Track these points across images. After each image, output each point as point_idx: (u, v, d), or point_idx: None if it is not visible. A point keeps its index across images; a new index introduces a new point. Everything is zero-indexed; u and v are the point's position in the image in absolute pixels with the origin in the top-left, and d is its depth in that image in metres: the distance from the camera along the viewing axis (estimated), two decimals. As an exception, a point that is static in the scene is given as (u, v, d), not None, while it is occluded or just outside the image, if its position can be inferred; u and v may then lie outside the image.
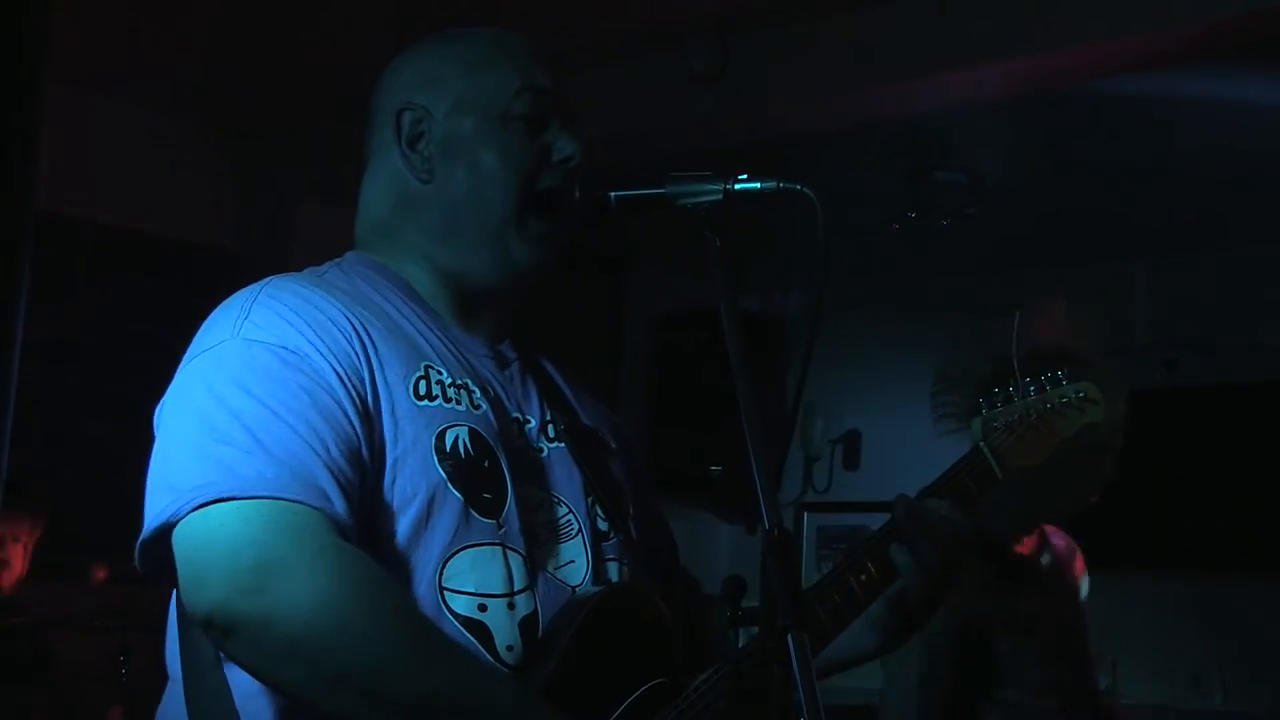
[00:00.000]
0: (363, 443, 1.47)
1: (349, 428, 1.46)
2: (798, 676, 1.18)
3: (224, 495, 1.37)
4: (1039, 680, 3.21)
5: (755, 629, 1.35)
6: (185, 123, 4.88)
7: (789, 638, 1.20)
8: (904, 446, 6.30)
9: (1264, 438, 5.28)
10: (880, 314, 5.86)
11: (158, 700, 1.57)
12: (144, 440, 1.52)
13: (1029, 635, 3.24)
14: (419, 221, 1.67)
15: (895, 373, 6.17)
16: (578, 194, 1.64)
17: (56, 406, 4.67)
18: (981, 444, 1.81)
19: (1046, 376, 1.88)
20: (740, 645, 1.46)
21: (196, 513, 1.38)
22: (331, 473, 1.42)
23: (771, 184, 1.55)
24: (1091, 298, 5.61)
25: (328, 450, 1.43)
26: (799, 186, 1.55)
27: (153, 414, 1.53)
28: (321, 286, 1.58)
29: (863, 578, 1.64)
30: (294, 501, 1.38)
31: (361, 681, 1.35)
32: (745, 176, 1.56)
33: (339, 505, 1.41)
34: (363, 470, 1.46)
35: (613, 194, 1.62)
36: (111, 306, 4.88)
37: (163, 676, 1.56)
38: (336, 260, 1.71)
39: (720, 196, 1.55)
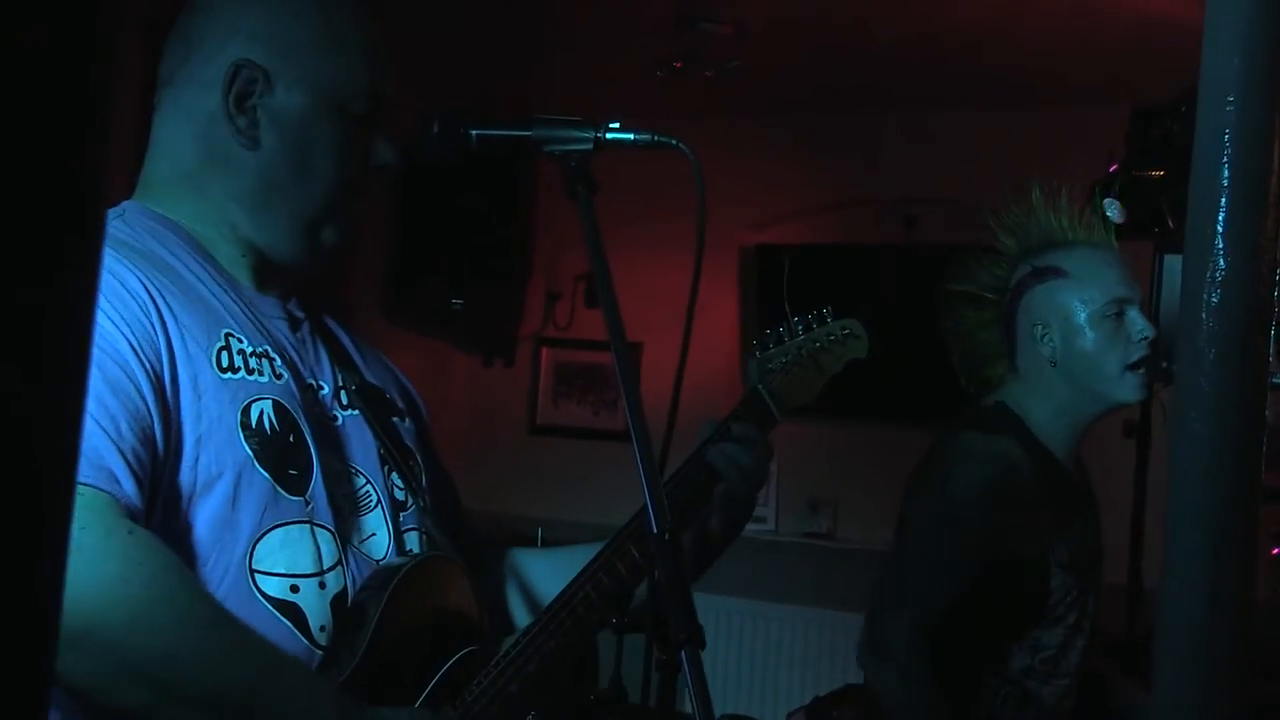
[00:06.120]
0: (156, 421, 1.38)
1: (142, 405, 1.37)
2: (692, 692, 1.17)
3: None
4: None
5: (640, 634, 1.34)
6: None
7: (683, 653, 1.18)
8: (643, 285, 6.38)
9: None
10: (630, 156, 5.81)
11: None
12: None
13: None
14: (229, 184, 1.56)
15: (640, 215, 6.17)
16: (436, 129, 1.54)
17: None
18: (760, 386, 1.86)
19: (813, 315, 1.94)
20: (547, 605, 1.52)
21: None
22: (122, 453, 1.33)
23: (646, 136, 1.52)
24: (842, 150, 5.72)
25: (119, 430, 1.33)
26: (674, 141, 1.52)
27: None
28: (112, 247, 1.45)
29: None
30: (80, 484, 1.27)
31: (155, 676, 1.28)
32: (617, 126, 1.50)
33: (129, 487, 1.32)
34: (155, 450, 1.37)
35: (474, 132, 1.54)
36: None
37: None
38: (117, 211, 1.55)
39: (591, 146, 1.49)
